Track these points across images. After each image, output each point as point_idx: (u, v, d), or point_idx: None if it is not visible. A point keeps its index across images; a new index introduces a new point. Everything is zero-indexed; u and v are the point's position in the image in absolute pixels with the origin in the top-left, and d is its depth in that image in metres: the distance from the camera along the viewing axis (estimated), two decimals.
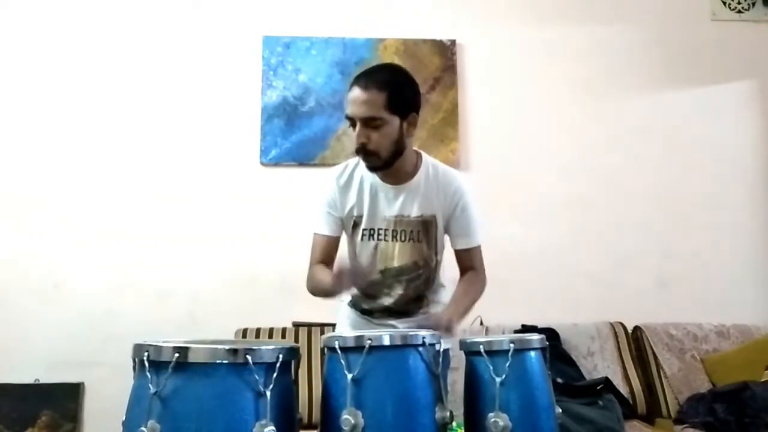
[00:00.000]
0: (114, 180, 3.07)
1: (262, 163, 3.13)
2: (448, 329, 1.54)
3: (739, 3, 3.45)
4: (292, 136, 3.15)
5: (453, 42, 3.27)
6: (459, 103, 3.23)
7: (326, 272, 1.68)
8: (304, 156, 3.13)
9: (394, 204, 1.73)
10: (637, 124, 3.31)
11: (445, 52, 3.27)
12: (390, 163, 1.67)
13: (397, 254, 1.74)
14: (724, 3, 3.45)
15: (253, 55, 3.19)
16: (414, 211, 1.73)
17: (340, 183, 1.77)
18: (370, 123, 1.60)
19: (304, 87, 3.19)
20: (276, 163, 3.13)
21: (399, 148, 1.66)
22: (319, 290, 1.70)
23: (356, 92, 1.61)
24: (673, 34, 3.39)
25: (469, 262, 1.80)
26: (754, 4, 3.45)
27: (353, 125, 1.63)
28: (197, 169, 3.11)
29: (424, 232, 1.74)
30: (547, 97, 3.29)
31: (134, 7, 3.19)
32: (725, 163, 3.33)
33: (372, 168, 1.69)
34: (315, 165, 3.06)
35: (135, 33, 3.18)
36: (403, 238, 1.73)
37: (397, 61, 3.18)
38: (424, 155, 1.79)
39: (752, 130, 3.38)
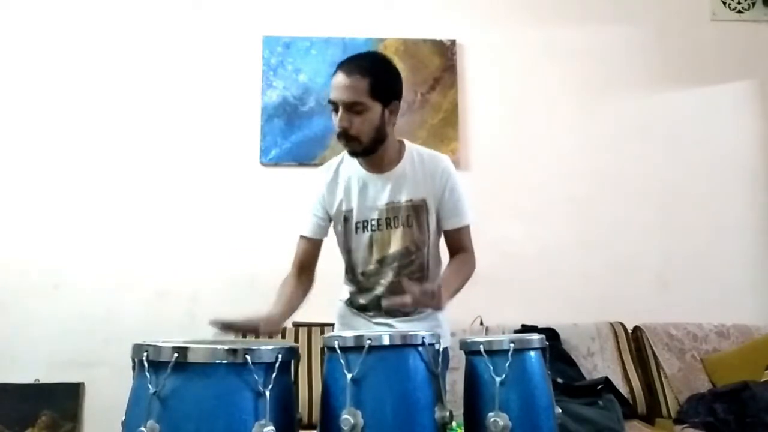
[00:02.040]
0: (114, 180, 3.07)
1: (262, 163, 3.13)
2: (437, 305, 1.53)
3: (739, 3, 3.45)
4: (292, 136, 3.15)
5: (453, 42, 3.27)
6: (459, 103, 3.23)
7: (282, 292, 1.72)
8: (304, 156, 3.13)
9: (383, 192, 1.74)
10: (637, 124, 3.31)
11: (445, 52, 3.27)
12: (371, 150, 1.69)
13: (392, 241, 1.74)
14: (724, 3, 3.45)
15: (253, 55, 3.19)
16: (403, 197, 1.73)
17: (327, 181, 1.79)
18: (352, 108, 1.62)
19: (304, 87, 3.19)
20: (276, 163, 3.13)
21: (380, 135, 1.68)
22: None
23: (340, 77, 1.64)
24: (673, 34, 3.39)
25: (459, 242, 1.79)
26: (754, 4, 3.45)
27: (335, 110, 1.65)
28: (197, 169, 3.11)
29: (414, 216, 1.74)
30: (547, 97, 3.29)
31: (134, 7, 3.19)
32: (725, 163, 3.33)
33: (353, 153, 1.71)
34: (315, 165, 3.04)
35: (135, 33, 3.18)
36: (395, 225, 1.74)
37: (397, 61, 3.17)
38: (407, 142, 1.81)
39: (752, 130, 3.38)
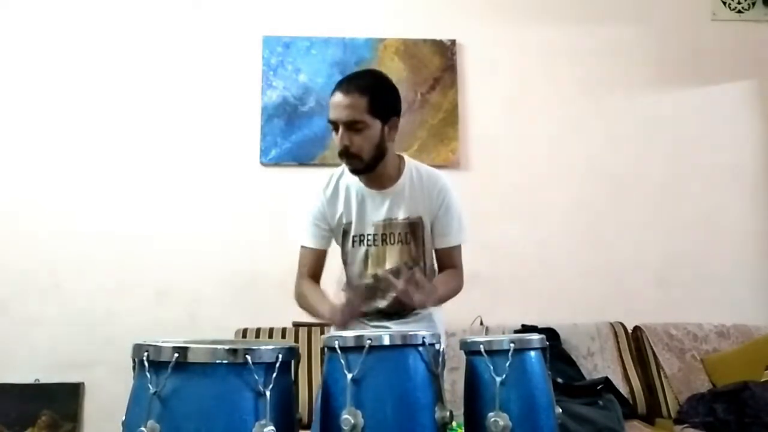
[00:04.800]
0: (114, 180, 3.07)
1: (262, 163, 3.13)
2: (421, 300, 1.58)
3: (739, 3, 3.45)
4: (292, 136, 3.15)
5: (453, 42, 3.27)
6: (459, 103, 3.23)
7: (320, 296, 1.72)
8: (304, 156, 3.12)
9: (381, 209, 1.75)
10: (637, 124, 3.31)
11: (445, 52, 3.27)
12: (372, 166, 1.70)
13: (388, 257, 1.76)
14: (724, 3, 3.45)
15: (253, 55, 3.19)
16: (401, 214, 1.75)
17: (327, 194, 1.80)
18: (352, 126, 1.63)
19: (304, 87, 3.19)
20: (276, 163, 3.13)
21: (380, 152, 1.69)
22: (310, 311, 1.75)
23: (338, 97, 1.65)
24: (673, 34, 3.39)
25: (449, 261, 1.81)
26: (754, 4, 3.45)
27: (336, 129, 1.66)
28: (197, 169, 3.11)
29: (411, 233, 1.76)
30: (547, 97, 3.29)
31: (134, 7, 3.19)
32: (725, 163, 3.33)
33: (354, 171, 1.72)
34: (315, 165, 3.06)
35: (135, 33, 3.18)
36: (392, 241, 1.76)
37: (397, 61, 3.19)
38: (407, 158, 1.82)
39: (752, 130, 3.38)
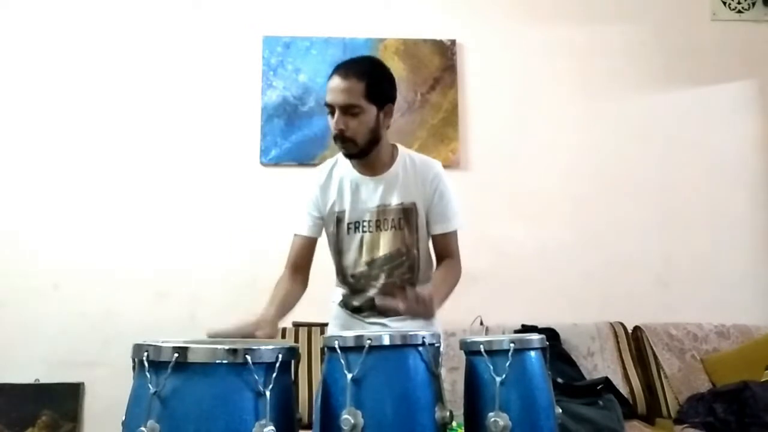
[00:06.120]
0: (114, 180, 3.07)
1: (262, 163, 3.13)
2: (427, 312, 1.56)
3: (739, 3, 3.45)
4: (292, 136, 3.15)
5: (453, 42, 3.27)
6: (459, 103, 3.23)
7: (272, 297, 1.69)
8: (304, 156, 3.13)
9: (375, 195, 1.76)
10: (637, 124, 3.31)
11: (445, 52, 3.27)
12: (366, 151, 1.71)
13: (383, 243, 1.76)
14: (724, 3, 3.45)
15: (253, 55, 3.19)
16: (394, 200, 1.76)
17: (320, 182, 1.81)
18: (348, 110, 1.64)
19: (304, 87, 3.19)
20: (276, 163, 3.13)
21: (375, 137, 1.70)
22: None
23: (336, 80, 1.66)
24: (673, 34, 3.39)
25: (445, 247, 1.82)
26: (754, 4, 3.45)
27: (331, 113, 1.67)
28: (197, 169, 3.11)
29: (405, 219, 1.76)
30: (547, 97, 3.29)
31: (134, 7, 3.19)
32: (725, 163, 3.33)
33: (348, 155, 1.73)
34: (315, 165, 3.00)
35: (135, 33, 3.18)
36: (385, 227, 1.76)
37: (397, 61, 3.19)
38: (400, 147, 1.84)
39: (752, 130, 3.38)
